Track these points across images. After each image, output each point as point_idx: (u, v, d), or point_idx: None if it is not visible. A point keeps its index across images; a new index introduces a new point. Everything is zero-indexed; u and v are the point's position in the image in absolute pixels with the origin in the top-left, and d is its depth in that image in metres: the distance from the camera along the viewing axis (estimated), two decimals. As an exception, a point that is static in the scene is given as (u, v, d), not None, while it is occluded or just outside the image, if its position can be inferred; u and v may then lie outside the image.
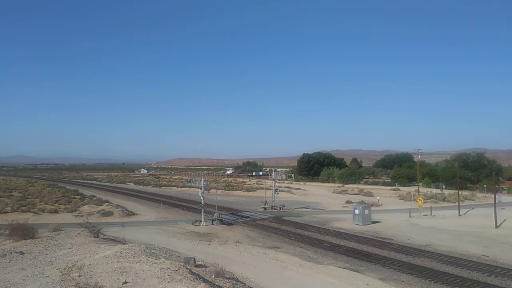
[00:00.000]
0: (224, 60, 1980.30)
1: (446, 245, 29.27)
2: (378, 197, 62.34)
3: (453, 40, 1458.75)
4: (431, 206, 49.33)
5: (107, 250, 17.77)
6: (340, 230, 35.81)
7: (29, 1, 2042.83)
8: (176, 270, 13.36)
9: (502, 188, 79.36)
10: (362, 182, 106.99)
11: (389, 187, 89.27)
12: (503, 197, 57.79)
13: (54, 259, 18.03)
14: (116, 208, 48.29)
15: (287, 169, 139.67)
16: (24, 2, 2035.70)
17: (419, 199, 47.19)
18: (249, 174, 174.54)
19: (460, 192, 51.66)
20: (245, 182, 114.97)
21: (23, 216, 39.61)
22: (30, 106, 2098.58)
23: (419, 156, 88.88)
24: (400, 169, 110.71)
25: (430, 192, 72.13)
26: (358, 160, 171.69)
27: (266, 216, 44.84)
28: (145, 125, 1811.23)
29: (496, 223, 37.02)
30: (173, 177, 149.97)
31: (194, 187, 48.27)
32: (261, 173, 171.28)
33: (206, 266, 18.26)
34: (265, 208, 51.11)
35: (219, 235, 33.40)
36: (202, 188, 39.70)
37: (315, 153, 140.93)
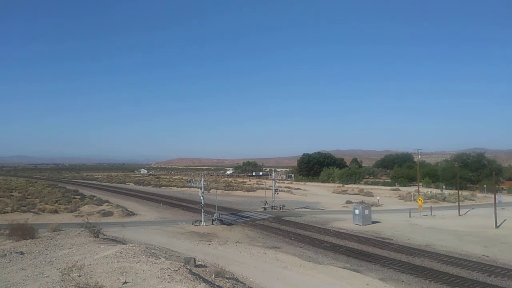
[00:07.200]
0: (224, 60, 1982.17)
1: (446, 245, 29.26)
2: (378, 197, 62.35)
3: (453, 40, 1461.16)
4: (431, 206, 49.34)
5: (107, 250, 17.76)
6: (340, 230, 35.81)
7: (29, 1, 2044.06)
8: (176, 270, 13.36)
9: (502, 188, 79.36)
10: (362, 182, 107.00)
11: (389, 187, 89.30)
12: (503, 197, 57.83)
13: (54, 259, 18.03)
14: (116, 208, 48.29)
15: (287, 169, 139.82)
16: (24, 2, 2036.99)
17: (419, 199, 47.21)
18: (249, 174, 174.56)
19: (460, 192, 51.66)
20: (245, 182, 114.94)
21: (23, 216, 39.64)
22: (30, 106, 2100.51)
23: (419, 156, 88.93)
24: (400, 169, 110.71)
25: (430, 192, 72.12)
26: (358, 160, 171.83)
27: (266, 216, 44.84)
28: (145, 125, 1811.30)
29: (496, 223, 37.01)
30: (173, 177, 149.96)
31: (194, 187, 48.32)
32: (261, 173, 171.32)
33: (206, 266, 18.27)
34: (265, 208, 51.11)
35: (219, 235, 33.39)
36: (202, 188, 39.68)
37: (315, 153, 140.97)
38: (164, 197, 69.22)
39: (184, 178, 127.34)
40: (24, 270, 16.15)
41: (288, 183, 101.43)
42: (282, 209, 50.78)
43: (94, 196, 64.28)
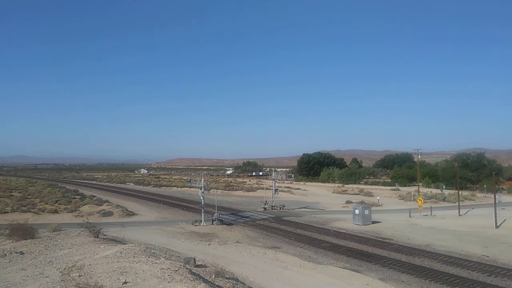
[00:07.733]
0: (224, 60, 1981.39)
1: (446, 245, 29.26)
2: (378, 197, 62.34)
3: (453, 40, 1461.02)
4: (431, 206, 49.34)
5: (107, 250, 17.76)
6: (340, 230, 35.81)
7: (29, 1, 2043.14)
8: (176, 270, 13.36)
9: (502, 188, 79.36)
10: (362, 182, 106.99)
11: (389, 187, 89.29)
12: (503, 197, 57.83)
13: (54, 259, 18.03)
14: (116, 208, 48.29)
15: (287, 169, 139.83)
16: (24, 2, 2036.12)
17: (419, 199, 47.20)
18: (249, 174, 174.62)
19: (460, 192, 51.66)
20: (245, 182, 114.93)
21: (23, 216, 39.63)
22: (30, 106, 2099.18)
23: (419, 156, 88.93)
24: (400, 169, 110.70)
25: (430, 192, 72.12)
26: (358, 160, 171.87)
27: (266, 216, 44.83)
28: (145, 125, 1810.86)
29: (496, 223, 37.01)
30: (173, 177, 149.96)
31: (194, 187, 48.32)
32: (261, 173, 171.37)
33: (206, 266, 18.27)
34: (265, 208, 51.11)
35: (219, 235, 33.39)
36: (202, 188, 39.68)
37: (315, 153, 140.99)
38: (164, 197, 69.22)
39: (184, 178, 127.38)
40: (24, 270, 16.15)
41: (288, 183, 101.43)
42: (282, 209, 50.78)
43: (94, 196, 64.27)
